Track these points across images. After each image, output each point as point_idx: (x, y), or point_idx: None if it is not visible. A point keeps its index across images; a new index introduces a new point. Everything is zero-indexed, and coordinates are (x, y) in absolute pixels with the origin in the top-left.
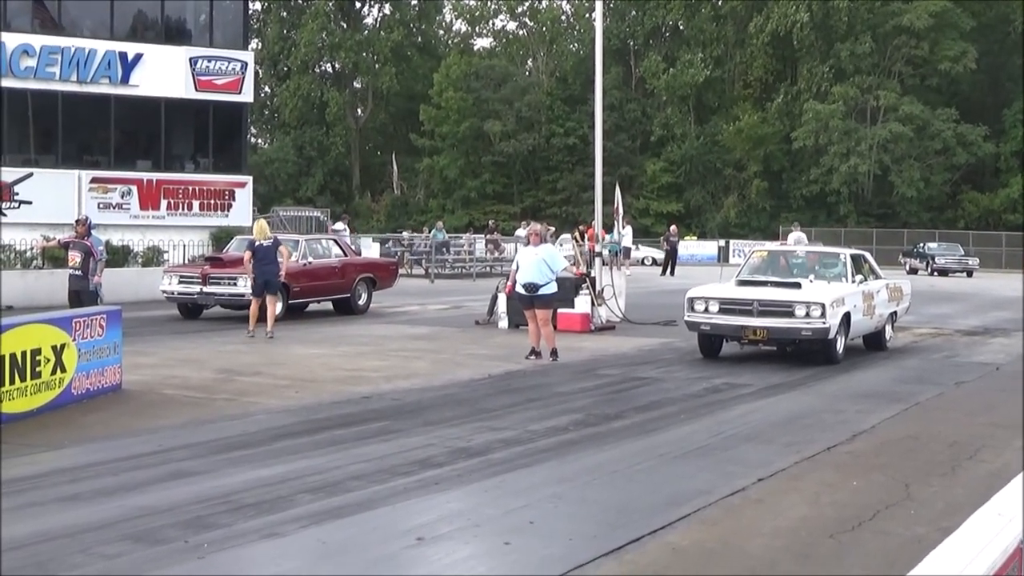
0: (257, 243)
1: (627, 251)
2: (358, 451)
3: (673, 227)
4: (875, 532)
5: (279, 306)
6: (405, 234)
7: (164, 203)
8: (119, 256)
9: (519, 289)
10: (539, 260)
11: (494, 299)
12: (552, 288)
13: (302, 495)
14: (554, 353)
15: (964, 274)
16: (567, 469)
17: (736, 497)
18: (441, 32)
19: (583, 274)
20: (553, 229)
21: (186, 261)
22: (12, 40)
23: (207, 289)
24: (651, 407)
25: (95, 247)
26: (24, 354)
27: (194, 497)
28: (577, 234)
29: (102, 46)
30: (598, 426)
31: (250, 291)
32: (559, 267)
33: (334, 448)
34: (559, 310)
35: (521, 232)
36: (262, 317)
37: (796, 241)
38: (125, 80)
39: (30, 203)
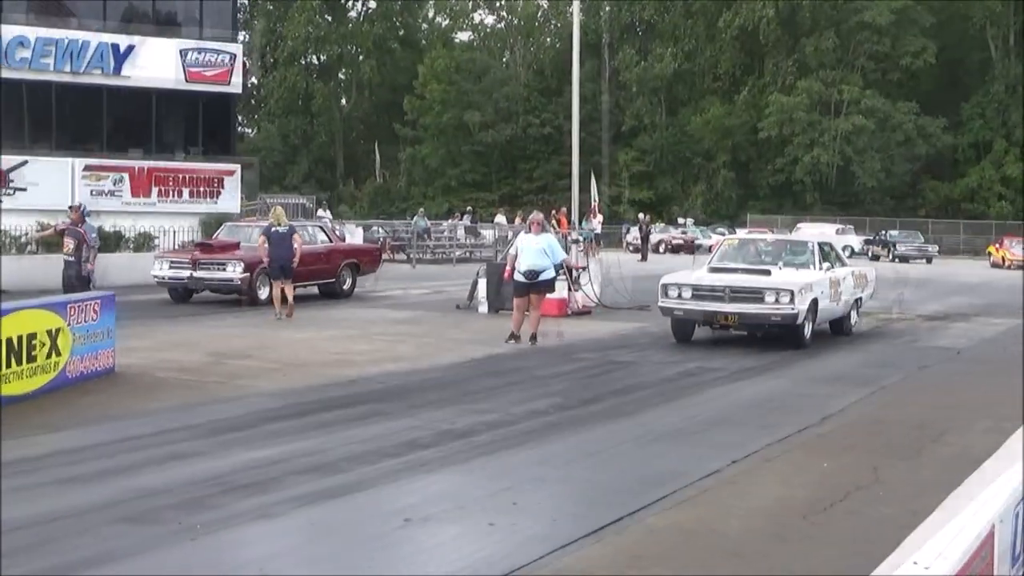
0: (272, 229)
1: (598, 237)
2: (346, 434)
3: (643, 215)
4: (847, 513)
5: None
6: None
7: (155, 190)
8: (111, 242)
9: (518, 276)
10: (540, 249)
11: (474, 284)
12: (551, 275)
13: (293, 477)
14: (533, 338)
15: (924, 260)
16: (548, 451)
17: (711, 479)
18: (424, 25)
19: (582, 268)
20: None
21: (176, 247)
22: (8, 32)
23: (197, 274)
24: (627, 390)
25: (88, 234)
26: (20, 338)
27: (188, 479)
28: (554, 221)
29: (95, 38)
30: (576, 409)
31: (270, 276)
32: (560, 256)
33: (323, 431)
34: None
35: (500, 219)
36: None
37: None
38: (117, 71)
39: (25, 190)
